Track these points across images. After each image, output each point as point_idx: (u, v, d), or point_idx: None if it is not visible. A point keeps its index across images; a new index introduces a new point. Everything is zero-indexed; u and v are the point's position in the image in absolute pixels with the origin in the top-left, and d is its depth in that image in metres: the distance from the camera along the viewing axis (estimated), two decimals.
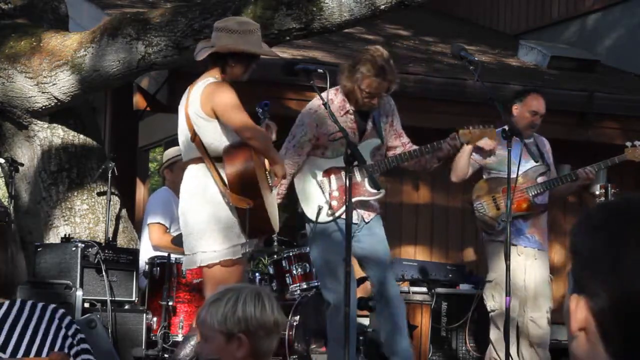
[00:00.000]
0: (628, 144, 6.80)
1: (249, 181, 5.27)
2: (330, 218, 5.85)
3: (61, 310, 2.60)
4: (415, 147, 6.00)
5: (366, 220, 5.93)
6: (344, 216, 5.60)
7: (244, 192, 5.26)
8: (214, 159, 5.36)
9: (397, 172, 8.67)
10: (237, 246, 5.37)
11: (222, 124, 5.34)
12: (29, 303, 2.59)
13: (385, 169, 6.00)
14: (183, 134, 5.48)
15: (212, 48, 5.37)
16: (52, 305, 2.60)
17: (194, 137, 5.36)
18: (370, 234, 5.94)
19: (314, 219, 5.86)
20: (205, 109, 5.32)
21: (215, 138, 5.34)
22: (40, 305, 2.57)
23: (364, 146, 5.84)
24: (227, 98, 5.29)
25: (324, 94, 5.68)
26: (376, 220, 6.00)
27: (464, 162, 6.63)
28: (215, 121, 5.33)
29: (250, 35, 5.43)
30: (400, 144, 6.04)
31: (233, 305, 3.11)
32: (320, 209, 5.83)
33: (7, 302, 2.59)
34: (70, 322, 2.57)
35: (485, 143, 6.50)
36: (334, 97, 5.82)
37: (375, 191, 5.90)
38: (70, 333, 2.53)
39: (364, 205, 5.94)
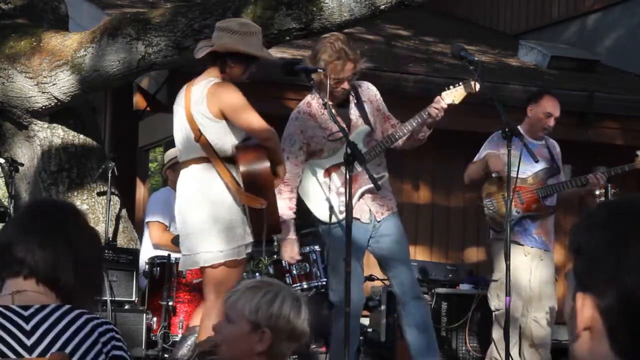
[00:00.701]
0: (639, 152, 6.82)
1: (265, 181, 5.28)
2: (339, 217, 5.84)
3: (106, 326, 2.41)
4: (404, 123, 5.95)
5: (378, 219, 5.91)
6: (353, 214, 5.63)
7: (258, 192, 5.26)
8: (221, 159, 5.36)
9: (397, 172, 8.68)
10: (242, 246, 5.37)
11: (231, 124, 5.33)
12: (75, 312, 2.40)
13: (382, 150, 5.95)
14: (183, 133, 5.46)
15: (211, 47, 5.37)
16: (99, 320, 2.41)
17: (199, 136, 5.34)
18: (388, 234, 5.92)
19: (323, 219, 5.88)
20: (212, 109, 5.30)
21: (220, 138, 5.33)
22: (85, 316, 2.40)
23: (354, 136, 5.80)
24: (236, 98, 5.28)
25: (305, 101, 5.71)
26: (391, 219, 5.97)
27: (479, 170, 6.72)
28: (222, 122, 5.32)
29: (251, 37, 5.43)
30: (390, 126, 6.01)
31: (271, 299, 3.08)
32: (332, 210, 5.83)
33: (52, 306, 2.40)
34: (110, 339, 2.41)
35: (493, 165, 6.54)
36: (311, 100, 5.84)
37: (377, 176, 5.88)
38: (105, 350, 2.38)
39: (376, 202, 5.92)
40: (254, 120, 5.26)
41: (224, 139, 5.32)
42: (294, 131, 5.85)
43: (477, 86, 5.83)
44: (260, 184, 5.26)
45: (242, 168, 5.27)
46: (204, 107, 5.30)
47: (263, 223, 5.28)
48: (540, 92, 7.02)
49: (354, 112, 5.90)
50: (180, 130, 5.48)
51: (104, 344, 2.39)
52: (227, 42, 5.34)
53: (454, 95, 5.82)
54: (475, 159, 6.90)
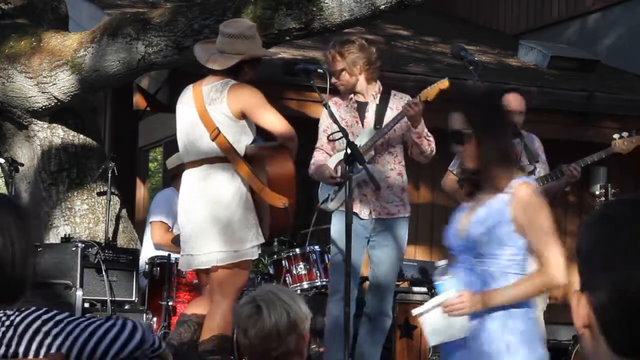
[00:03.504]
0: (616, 136, 6.77)
1: (291, 181, 5.33)
2: (338, 205, 5.95)
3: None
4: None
5: (374, 217, 5.96)
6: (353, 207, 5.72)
7: (282, 191, 5.29)
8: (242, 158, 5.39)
9: None
10: (255, 247, 5.39)
11: (248, 125, 5.37)
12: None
13: (374, 143, 6.03)
14: (194, 132, 5.44)
15: (235, 56, 5.39)
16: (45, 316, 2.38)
17: (217, 135, 5.34)
18: (381, 246, 5.99)
19: (327, 206, 5.95)
20: (233, 109, 5.32)
21: (237, 138, 5.36)
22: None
23: (366, 132, 5.99)
24: (259, 99, 5.34)
25: (333, 100, 5.84)
26: (391, 228, 6.03)
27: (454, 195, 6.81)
28: (241, 122, 5.35)
29: (257, 38, 5.53)
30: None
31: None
32: (329, 196, 5.94)
33: None
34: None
35: None
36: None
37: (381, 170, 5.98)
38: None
39: (379, 202, 5.96)
40: (278, 120, 5.33)
41: (240, 139, 5.35)
42: (324, 115, 5.99)
43: (447, 82, 6.03)
44: (285, 184, 5.30)
45: (272, 168, 5.30)
46: (225, 107, 5.31)
47: (284, 222, 5.32)
48: (504, 92, 6.96)
49: (371, 111, 6.03)
50: (190, 129, 5.46)
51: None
52: (247, 49, 5.40)
53: (427, 93, 5.98)
54: (452, 167, 6.87)
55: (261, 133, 5.50)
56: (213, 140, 5.33)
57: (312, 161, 6.10)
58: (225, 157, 5.34)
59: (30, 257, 2.48)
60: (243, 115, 5.33)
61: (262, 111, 5.32)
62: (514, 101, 6.70)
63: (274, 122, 5.32)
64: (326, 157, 6.07)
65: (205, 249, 5.35)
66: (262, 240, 5.41)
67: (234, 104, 5.30)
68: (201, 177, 5.41)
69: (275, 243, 7.29)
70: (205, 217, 5.34)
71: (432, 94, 6.00)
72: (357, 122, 6.02)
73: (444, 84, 6.03)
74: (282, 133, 5.32)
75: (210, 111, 5.34)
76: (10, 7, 7.77)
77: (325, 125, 6.04)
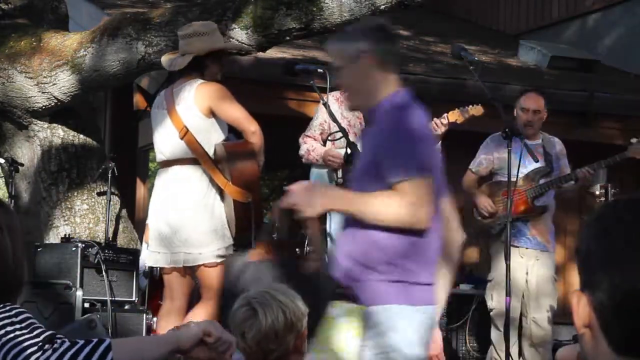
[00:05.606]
0: (634, 140, 6.78)
1: (255, 177, 5.35)
2: None
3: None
4: None
5: None
6: None
7: (247, 187, 5.31)
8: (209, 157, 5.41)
9: None
10: (230, 246, 5.44)
11: (217, 123, 5.39)
12: None
13: None
14: (168, 133, 5.48)
15: (190, 54, 5.45)
16: None
17: (185, 134, 5.38)
18: None
19: None
20: (201, 107, 5.36)
21: (205, 137, 5.40)
22: None
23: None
24: (224, 95, 5.38)
25: (333, 94, 5.81)
26: None
27: (472, 193, 6.79)
28: (210, 119, 5.38)
29: (216, 33, 5.61)
30: None
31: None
32: None
33: None
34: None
35: (481, 209, 6.59)
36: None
37: None
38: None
39: None
40: (243, 115, 5.34)
41: (209, 137, 5.39)
42: (321, 108, 5.98)
43: (481, 110, 5.96)
44: (248, 179, 5.32)
45: (236, 164, 5.32)
46: (192, 105, 5.36)
47: (250, 218, 5.33)
48: (523, 91, 7.00)
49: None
50: (162, 131, 5.51)
51: None
52: (204, 46, 5.45)
53: (457, 116, 5.96)
54: (472, 165, 6.88)
55: (234, 131, 5.54)
56: (181, 139, 5.38)
57: (309, 147, 6.07)
58: (195, 157, 5.39)
59: (24, 258, 2.52)
60: (211, 113, 5.38)
61: (227, 107, 5.37)
62: (530, 101, 6.73)
63: (239, 117, 5.35)
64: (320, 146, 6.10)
65: (188, 249, 5.38)
66: (231, 241, 5.42)
67: (201, 102, 5.36)
68: (172, 177, 5.46)
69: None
70: (191, 218, 5.38)
71: (462, 118, 6.00)
72: (360, 123, 6.01)
73: (478, 110, 6.04)
74: (246, 129, 5.34)
75: (180, 111, 5.40)
76: (10, 7, 7.77)
77: (323, 119, 6.03)
